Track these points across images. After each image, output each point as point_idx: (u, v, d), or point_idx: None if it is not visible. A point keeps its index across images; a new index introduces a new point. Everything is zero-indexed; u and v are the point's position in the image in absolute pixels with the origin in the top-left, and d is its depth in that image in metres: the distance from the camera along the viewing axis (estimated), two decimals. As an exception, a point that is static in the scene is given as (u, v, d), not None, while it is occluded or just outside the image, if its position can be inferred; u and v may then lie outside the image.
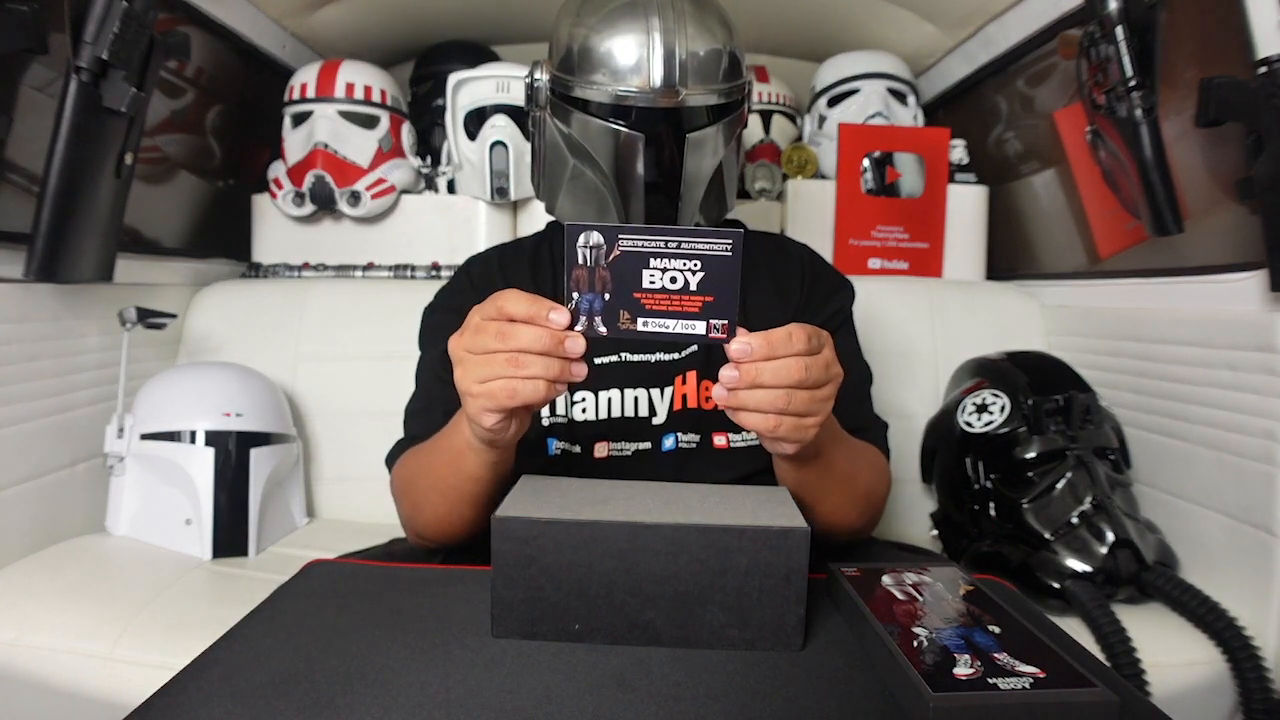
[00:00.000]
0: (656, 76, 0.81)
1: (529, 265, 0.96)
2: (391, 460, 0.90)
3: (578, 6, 0.86)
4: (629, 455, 0.87)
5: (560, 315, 0.60)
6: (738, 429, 0.88)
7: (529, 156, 1.53)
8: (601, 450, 0.88)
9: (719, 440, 0.88)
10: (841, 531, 0.84)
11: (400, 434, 0.91)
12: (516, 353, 0.60)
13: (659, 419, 0.88)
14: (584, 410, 0.88)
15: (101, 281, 1.18)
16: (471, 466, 0.72)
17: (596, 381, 0.88)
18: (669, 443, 0.88)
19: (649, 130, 0.83)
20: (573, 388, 0.87)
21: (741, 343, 0.59)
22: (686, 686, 0.52)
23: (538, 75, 0.88)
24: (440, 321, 0.92)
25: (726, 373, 0.60)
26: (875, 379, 0.98)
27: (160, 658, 0.90)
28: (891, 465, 0.93)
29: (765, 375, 0.59)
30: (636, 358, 0.89)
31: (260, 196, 1.66)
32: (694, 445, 0.88)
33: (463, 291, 0.94)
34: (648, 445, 0.88)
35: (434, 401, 0.88)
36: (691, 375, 0.89)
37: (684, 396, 0.88)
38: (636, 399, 0.88)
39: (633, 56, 0.81)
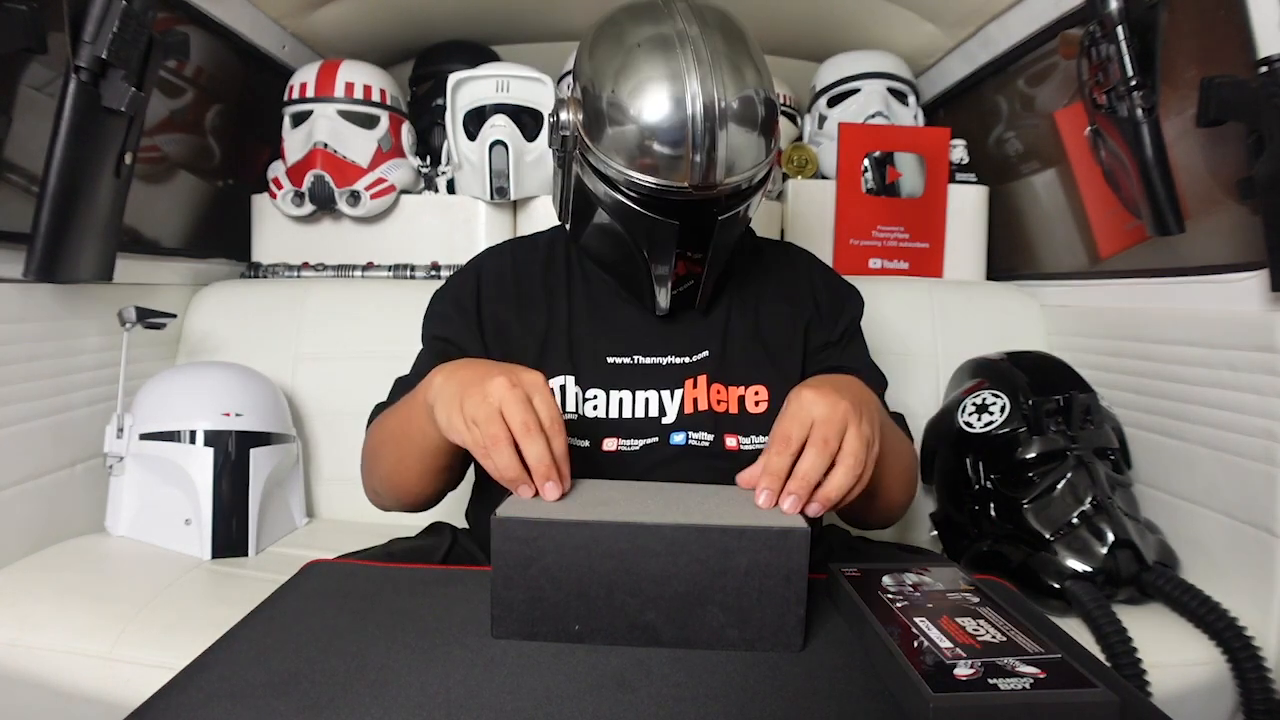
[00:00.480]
0: (697, 175, 0.76)
1: (543, 265, 0.96)
2: (369, 421, 0.92)
3: (603, 57, 0.79)
4: (637, 450, 0.87)
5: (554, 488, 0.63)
6: (748, 432, 0.88)
7: (529, 156, 1.54)
8: (610, 444, 0.88)
9: (730, 442, 0.88)
10: (897, 512, 0.87)
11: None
12: (519, 437, 0.62)
13: (668, 419, 0.88)
14: (595, 408, 0.88)
15: (101, 281, 1.18)
16: (432, 442, 0.73)
17: (609, 381, 0.89)
18: (678, 438, 0.88)
19: (683, 218, 0.79)
20: (585, 385, 0.88)
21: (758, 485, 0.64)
22: (686, 687, 0.52)
23: (564, 116, 0.82)
24: (441, 310, 0.95)
25: (762, 498, 0.63)
26: (875, 379, 0.98)
27: (160, 658, 0.90)
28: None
29: (792, 481, 0.63)
30: (649, 360, 0.90)
31: (260, 196, 1.66)
32: (707, 444, 0.88)
33: (468, 284, 0.95)
34: (655, 440, 0.88)
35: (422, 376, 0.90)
36: (702, 379, 0.89)
37: (694, 400, 0.88)
38: (647, 400, 0.88)
39: (669, 149, 0.75)
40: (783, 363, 0.92)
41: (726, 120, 0.75)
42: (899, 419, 0.93)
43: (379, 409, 0.92)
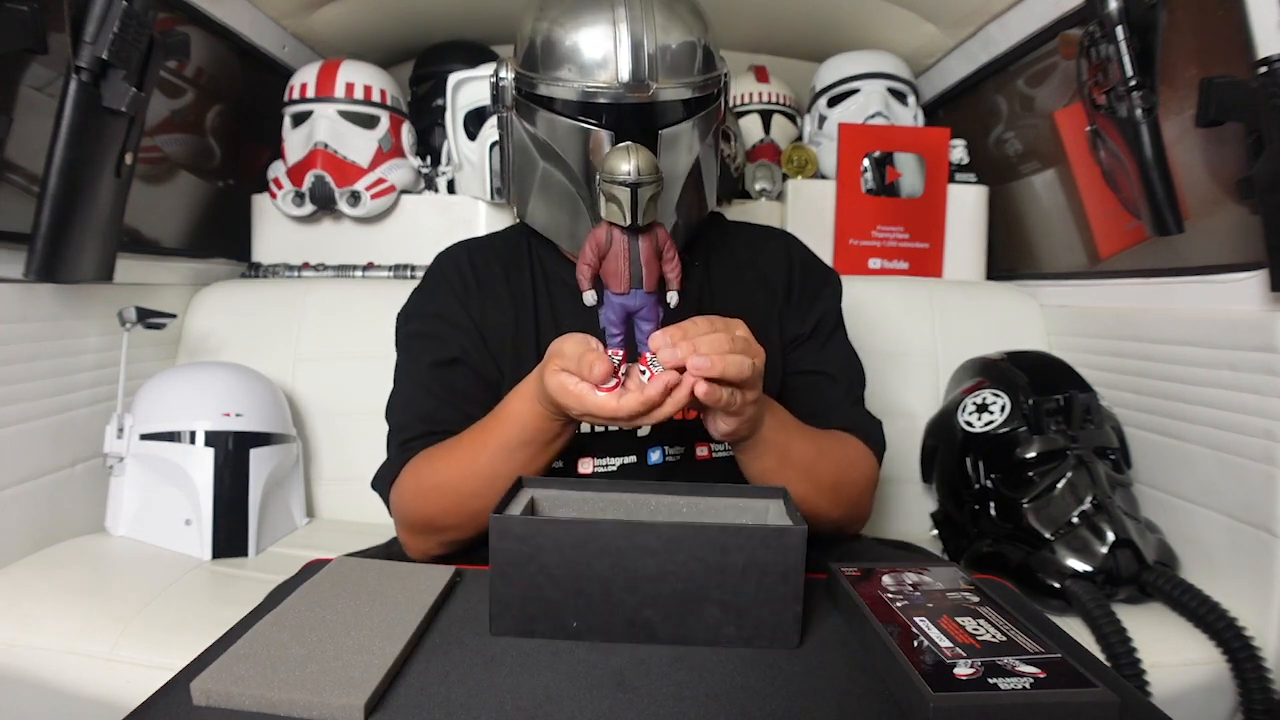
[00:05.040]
0: (625, 70, 0.76)
1: (503, 266, 0.92)
2: (387, 479, 0.86)
3: (541, 8, 0.81)
4: (614, 470, 0.86)
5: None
6: (719, 440, 0.86)
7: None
8: (586, 466, 0.86)
9: (700, 451, 0.87)
10: (817, 520, 0.82)
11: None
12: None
13: (644, 431, 0.86)
14: None
15: (101, 281, 1.18)
16: (547, 431, 0.73)
17: None
18: (655, 456, 0.86)
19: (619, 128, 0.78)
20: None
21: (660, 338, 0.64)
22: (686, 686, 0.52)
23: (503, 74, 0.84)
24: (419, 329, 0.89)
25: (665, 354, 0.64)
26: (875, 379, 0.97)
27: (160, 658, 0.90)
28: (891, 465, 0.93)
29: (701, 345, 0.63)
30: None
31: (260, 196, 1.66)
32: (678, 458, 0.87)
33: (437, 292, 0.91)
34: (633, 459, 0.86)
35: (422, 419, 0.86)
36: None
37: None
38: None
39: (599, 49, 0.76)
40: None
41: (655, 30, 0.77)
42: (875, 426, 0.91)
43: (393, 468, 0.86)
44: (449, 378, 0.87)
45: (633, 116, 0.78)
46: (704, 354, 0.63)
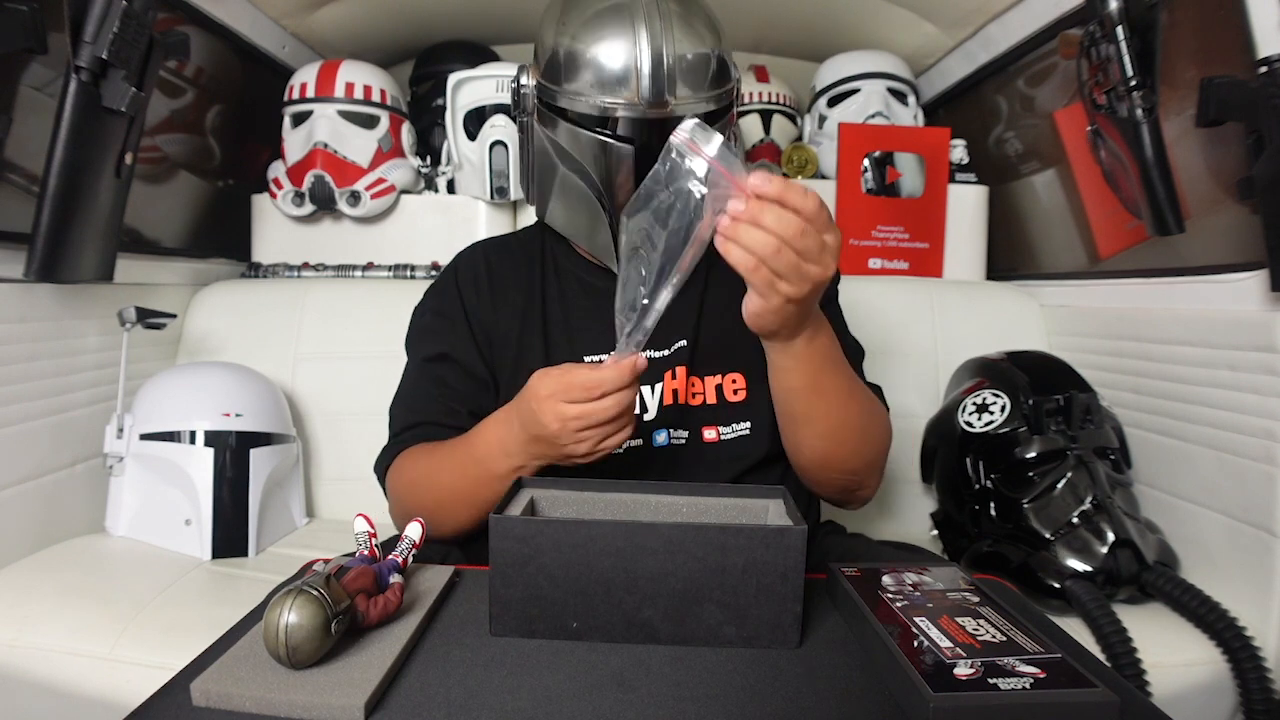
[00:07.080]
0: (645, 87, 0.79)
1: (515, 264, 0.95)
2: (383, 465, 0.90)
3: (561, 9, 0.84)
4: (621, 452, 0.86)
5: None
6: (726, 422, 0.88)
7: (528, 157, 1.54)
8: None
9: (709, 434, 0.89)
10: (836, 467, 0.83)
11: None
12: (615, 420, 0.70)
13: (649, 414, 0.88)
14: None
15: (101, 281, 1.18)
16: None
17: None
18: (661, 438, 0.88)
19: (638, 141, 0.81)
20: None
21: (763, 176, 0.61)
22: (686, 686, 0.52)
23: (524, 80, 0.86)
24: (429, 325, 0.93)
25: (735, 204, 0.62)
26: (875, 379, 0.97)
27: (160, 658, 0.90)
28: (892, 465, 0.92)
29: (767, 218, 0.61)
30: None
31: (260, 196, 1.66)
32: (684, 440, 0.88)
33: (442, 290, 0.95)
34: (639, 441, 0.88)
35: (423, 412, 0.89)
36: (681, 371, 0.89)
37: (674, 392, 0.89)
38: None
39: (619, 65, 0.79)
40: (760, 348, 0.91)
41: (674, 46, 0.79)
42: (876, 390, 0.92)
43: (391, 452, 0.90)
44: (437, 372, 0.91)
45: (651, 130, 0.81)
46: (766, 228, 0.61)
